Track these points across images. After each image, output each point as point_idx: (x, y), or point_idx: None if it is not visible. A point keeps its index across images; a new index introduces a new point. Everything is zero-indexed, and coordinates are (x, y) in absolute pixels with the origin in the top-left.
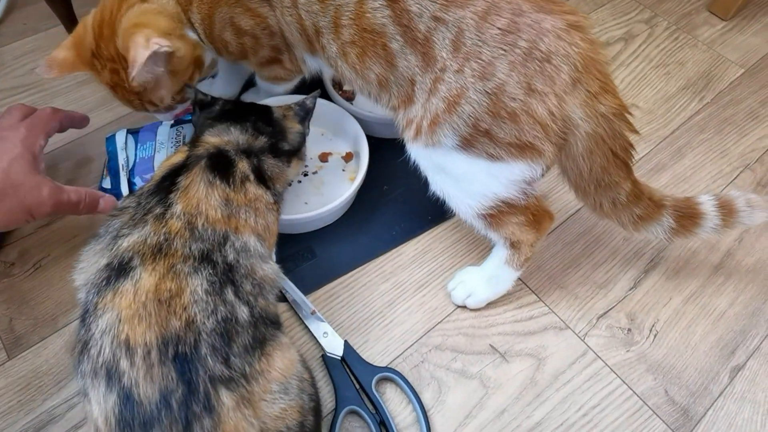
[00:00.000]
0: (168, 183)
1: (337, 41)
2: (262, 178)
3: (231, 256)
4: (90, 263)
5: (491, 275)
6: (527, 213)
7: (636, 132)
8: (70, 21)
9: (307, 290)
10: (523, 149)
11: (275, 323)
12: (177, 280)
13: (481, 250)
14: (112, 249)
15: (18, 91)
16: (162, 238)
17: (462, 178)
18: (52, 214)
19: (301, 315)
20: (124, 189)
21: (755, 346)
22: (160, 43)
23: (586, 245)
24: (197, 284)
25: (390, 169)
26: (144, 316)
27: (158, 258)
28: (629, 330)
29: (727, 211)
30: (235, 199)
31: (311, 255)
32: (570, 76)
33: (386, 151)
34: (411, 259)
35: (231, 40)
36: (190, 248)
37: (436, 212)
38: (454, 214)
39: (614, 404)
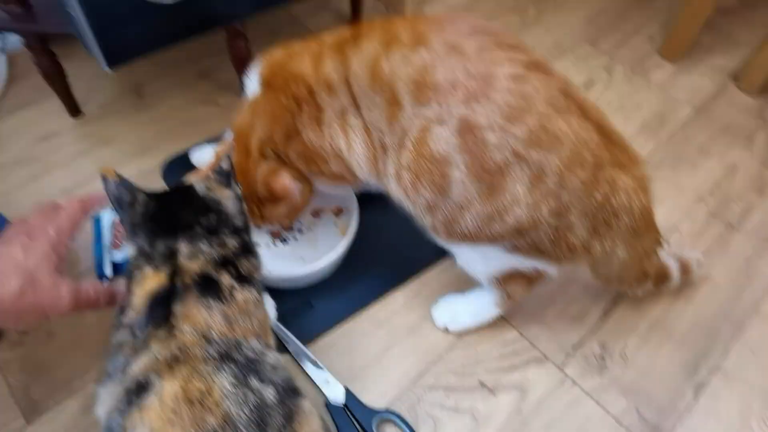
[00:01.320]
0: (161, 311)
1: (395, 163)
2: (243, 278)
3: (250, 354)
4: (108, 395)
5: (478, 310)
6: (533, 275)
7: (662, 246)
8: (66, 95)
9: (306, 340)
10: (561, 261)
11: (294, 390)
12: (203, 380)
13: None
14: (124, 380)
15: (18, 166)
16: (176, 350)
17: (493, 259)
18: (73, 310)
19: (302, 365)
20: (108, 271)
21: (715, 363)
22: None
23: (560, 282)
24: (224, 380)
25: (378, 220)
26: (176, 421)
27: (176, 367)
28: (602, 357)
29: (685, 271)
30: (230, 312)
31: (309, 307)
32: (627, 225)
33: (374, 204)
34: (402, 305)
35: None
36: (208, 352)
37: (423, 259)
38: (439, 259)
39: (593, 427)
